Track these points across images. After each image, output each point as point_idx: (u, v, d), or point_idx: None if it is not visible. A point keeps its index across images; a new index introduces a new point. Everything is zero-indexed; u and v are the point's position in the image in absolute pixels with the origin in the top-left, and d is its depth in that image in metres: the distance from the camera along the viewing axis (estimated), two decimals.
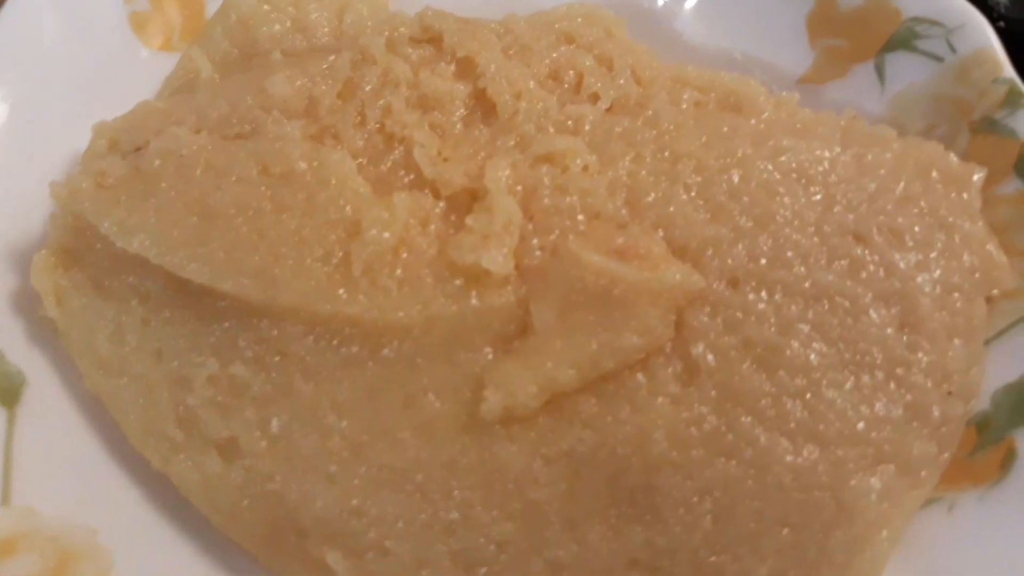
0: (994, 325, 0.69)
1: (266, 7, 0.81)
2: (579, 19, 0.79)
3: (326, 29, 0.81)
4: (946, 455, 0.65)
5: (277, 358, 0.66)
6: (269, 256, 0.66)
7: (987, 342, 0.69)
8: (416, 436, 0.64)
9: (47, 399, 0.71)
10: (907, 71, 0.78)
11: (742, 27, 0.85)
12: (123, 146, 0.72)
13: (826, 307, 0.65)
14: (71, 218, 0.70)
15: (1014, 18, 0.95)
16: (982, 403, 0.67)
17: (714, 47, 0.85)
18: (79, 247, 0.71)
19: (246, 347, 0.67)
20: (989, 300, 0.69)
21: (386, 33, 0.75)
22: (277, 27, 0.81)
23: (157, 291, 0.69)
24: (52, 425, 0.71)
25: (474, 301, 0.65)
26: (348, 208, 0.66)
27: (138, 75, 0.82)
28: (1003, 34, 0.75)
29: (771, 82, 0.81)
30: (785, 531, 0.62)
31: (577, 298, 0.63)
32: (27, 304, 0.72)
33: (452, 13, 0.78)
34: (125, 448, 0.70)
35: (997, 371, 0.68)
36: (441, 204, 0.68)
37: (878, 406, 0.63)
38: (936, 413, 0.65)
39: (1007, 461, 0.65)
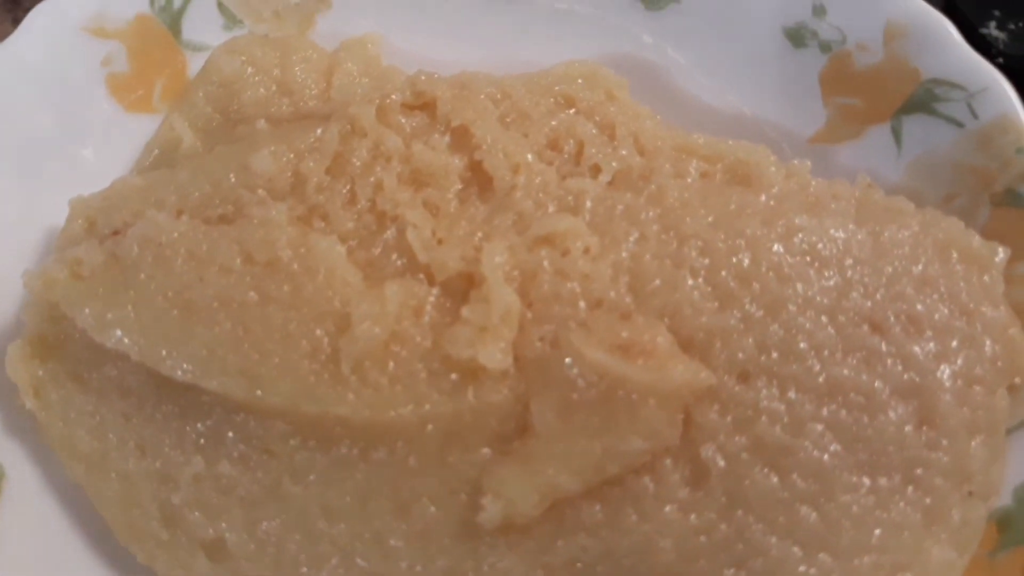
0: (1016, 414, 0.66)
1: (249, 69, 0.77)
2: (579, 80, 0.75)
3: (314, 91, 0.77)
4: (965, 558, 0.63)
5: (264, 457, 0.64)
6: (254, 353, 0.62)
7: (1009, 432, 0.66)
8: (410, 544, 0.61)
9: (28, 492, 0.68)
10: (926, 135, 0.74)
11: (751, 84, 0.81)
12: (100, 228, 0.68)
13: (841, 404, 0.62)
14: (47, 307, 0.67)
15: (1012, 55, 0.91)
16: (1003, 499, 0.64)
17: (722, 104, 0.81)
18: (56, 337, 0.68)
19: (232, 445, 0.64)
20: (1011, 388, 0.66)
21: (376, 100, 0.71)
22: (262, 91, 0.77)
23: (138, 385, 0.65)
24: (34, 519, 0.68)
25: (471, 398, 0.61)
26: (337, 300, 0.63)
27: (118, 139, 0.78)
28: (1002, 70, 0.72)
29: (782, 141, 0.77)
30: None
31: (579, 398, 0.60)
32: (4, 394, 0.69)
33: (446, 76, 0.74)
34: (110, 541, 0.67)
35: (1020, 464, 0.65)
36: (435, 291, 0.65)
37: (895, 511, 0.61)
38: (956, 516, 0.62)
39: None
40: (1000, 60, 0.90)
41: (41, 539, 0.67)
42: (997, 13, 0.94)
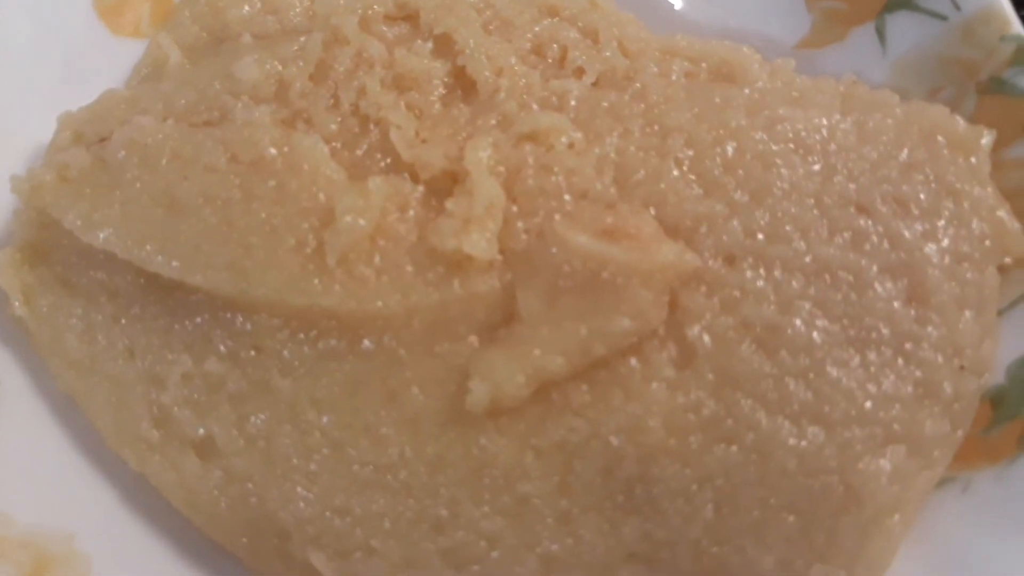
0: (1007, 295, 0.66)
1: None
2: None
3: (298, 9, 0.77)
4: (960, 433, 0.62)
5: (252, 353, 0.64)
6: (240, 248, 0.63)
7: (1001, 313, 0.65)
8: (400, 431, 0.61)
9: (19, 401, 0.68)
10: (909, 32, 0.74)
11: None
12: (88, 137, 0.69)
13: (828, 282, 0.62)
14: (35, 213, 0.67)
15: None
16: (996, 377, 0.64)
17: (705, 14, 0.81)
18: (45, 243, 0.68)
19: (220, 342, 0.64)
20: (1001, 269, 0.66)
21: (359, 11, 0.71)
22: (247, 9, 0.77)
23: (127, 287, 0.66)
24: (25, 427, 0.68)
25: (457, 289, 0.61)
26: (321, 195, 0.63)
27: (106, 63, 0.79)
28: None
29: (767, 50, 0.77)
30: (791, 518, 0.59)
31: (565, 282, 0.60)
32: None
33: None
34: (101, 449, 0.67)
35: (1012, 343, 0.65)
36: (420, 188, 0.65)
37: (886, 384, 0.60)
38: (948, 389, 0.61)
39: None
40: None
41: (33, 447, 0.67)
42: None
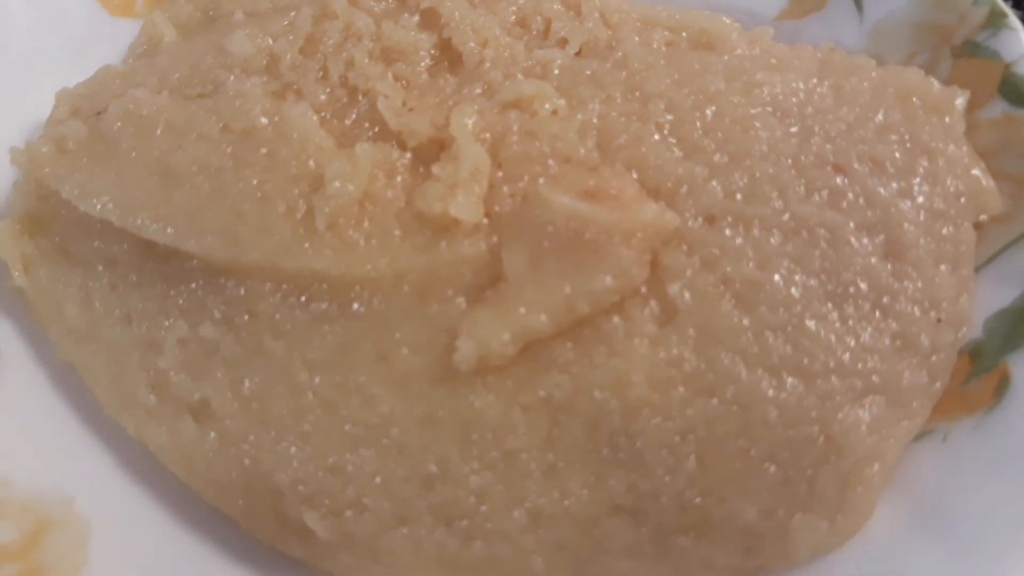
0: (984, 251, 0.67)
1: None
2: None
3: None
4: (938, 385, 0.63)
5: (246, 317, 0.65)
6: (232, 214, 0.64)
7: (977, 269, 0.67)
8: (390, 391, 0.62)
9: (20, 369, 0.70)
10: (885, 0, 0.76)
11: None
12: (84, 111, 0.71)
13: (806, 239, 0.63)
14: (34, 185, 0.69)
15: None
16: (974, 331, 0.65)
17: None
18: (44, 214, 0.70)
19: (214, 308, 0.65)
20: (978, 226, 0.67)
21: None
22: None
23: (123, 255, 0.67)
24: (25, 394, 0.69)
25: (444, 251, 0.63)
26: (311, 162, 0.65)
27: (102, 42, 0.81)
28: None
29: (747, 21, 0.79)
30: (772, 469, 0.60)
31: (549, 243, 0.62)
32: None
33: None
34: (100, 416, 0.69)
35: (989, 297, 0.66)
36: (407, 155, 0.66)
37: (864, 336, 0.62)
38: (926, 342, 0.63)
39: (1001, 387, 0.63)
40: None
41: (34, 414, 0.69)
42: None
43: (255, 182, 0.65)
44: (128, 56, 0.80)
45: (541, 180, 0.64)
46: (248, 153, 0.66)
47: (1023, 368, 0.62)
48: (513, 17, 0.73)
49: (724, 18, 0.73)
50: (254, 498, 0.64)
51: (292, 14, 0.72)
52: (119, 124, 0.67)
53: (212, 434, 0.65)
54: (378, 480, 0.62)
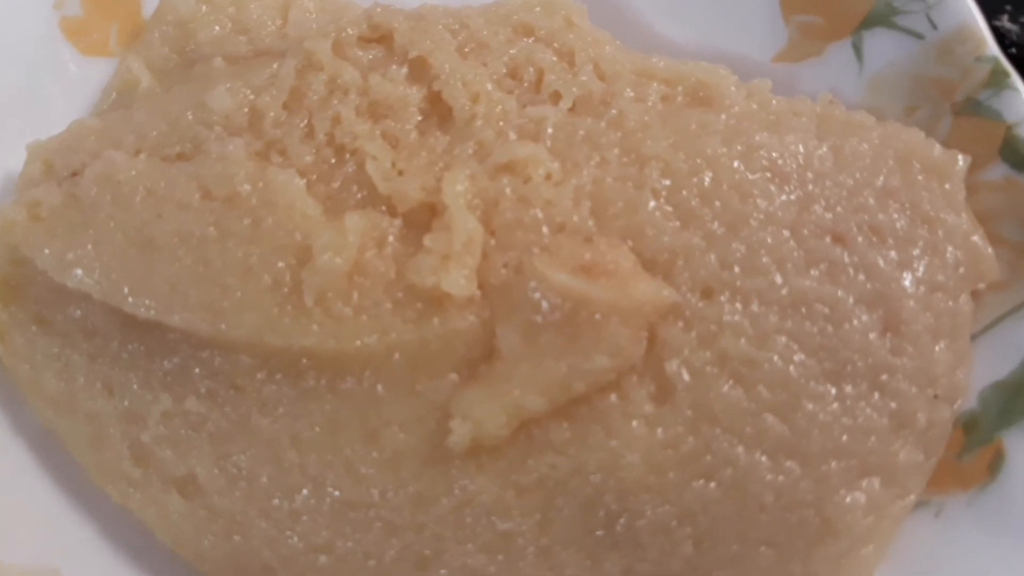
0: (980, 319, 0.67)
1: (204, 8, 0.76)
2: (537, 8, 0.74)
3: (270, 28, 0.76)
4: (933, 460, 0.63)
5: (232, 392, 0.63)
6: (216, 288, 0.62)
7: (974, 337, 0.66)
8: (381, 470, 0.61)
9: None
10: (886, 49, 0.74)
11: (711, 6, 0.80)
12: (58, 170, 0.68)
13: (805, 315, 0.62)
14: (7, 250, 0.66)
15: None
16: (969, 401, 0.65)
17: (681, 29, 0.81)
18: (19, 280, 0.67)
19: (199, 382, 0.64)
20: (975, 294, 0.66)
21: (332, 35, 0.70)
22: (217, 29, 0.76)
23: (103, 325, 0.65)
24: (6, 462, 0.68)
25: (436, 325, 0.61)
26: (297, 233, 0.63)
27: (74, 83, 0.77)
28: (1015, 61, 0.70)
29: (744, 64, 0.77)
30: (768, 551, 0.60)
31: (543, 319, 0.60)
32: None
33: (403, 9, 0.73)
34: (84, 483, 0.67)
35: (984, 368, 0.66)
36: (397, 222, 0.64)
37: (862, 417, 0.61)
38: (922, 419, 0.62)
39: (995, 464, 0.63)
40: (1013, 51, 0.90)
41: (14, 483, 0.67)
42: (1009, 8, 0.93)
43: (239, 254, 0.63)
44: (102, 101, 0.76)
45: (535, 250, 0.62)
46: (232, 223, 0.63)
47: (1017, 445, 0.63)
48: (504, 68, 0.70)
49: (720, 70, 0.71)
50: (245, 573, 0.64)
51: (275, 65, 0.69)
52: (95, 190, 0.65)
53: (200, 510, 0.64)
54: (371, 561, 0.62)
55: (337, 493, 0.62)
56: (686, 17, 0.82)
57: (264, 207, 0.64)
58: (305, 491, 0.62)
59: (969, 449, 0.64)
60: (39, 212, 0.65)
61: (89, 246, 0.64)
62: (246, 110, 0.68)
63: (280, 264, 0.62)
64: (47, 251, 0.64)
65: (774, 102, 0.70)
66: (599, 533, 0.60)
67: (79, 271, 0.63)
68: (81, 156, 0.68)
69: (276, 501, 0.62)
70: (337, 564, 0.62)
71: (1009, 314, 0.66)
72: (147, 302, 0.63)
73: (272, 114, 0.67)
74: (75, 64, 0.78)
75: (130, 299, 0.63)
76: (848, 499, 0.60)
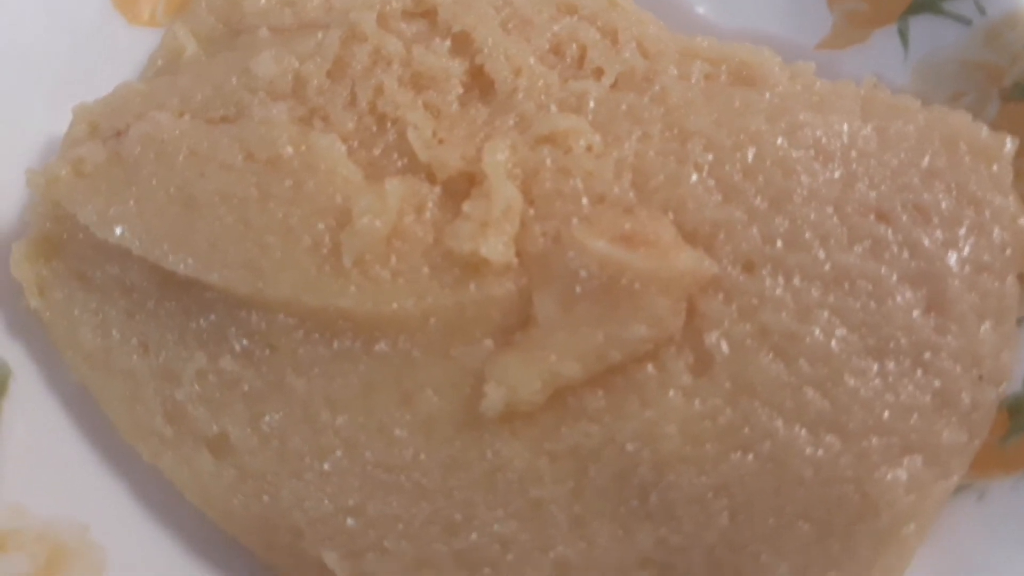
0: None
1: None
2: None
3: (315, 2, 0.76)
4: (977, 442, 0.62)
5: (267, 352, 0.63)
6: (255, 247, 0.62)
7: (1019, 322, 0.65)
8: (414, 434, 0.61)
9: (33, 390, 0.68)
10: (932, 35, 0.74)
11: None
12: (103, 131, 0.68)
13: (847, 290, 0.61)
14: (50, 206, 0.67)
15: None
16: (1014, 385, 0.64)
17: (726, 15, 0.81)
18: (60, 236, 0.68)
19: (235, 340, 0.64)
20: (1021, 277, 0.65)
21: (377, 7, 0.71)
22: (263, 1, 0.77)
23: (141, 282, 0.66)
24: (39, 417, 0.68)
25: (473, 291, 0.61)
26: (338, 196, 0.63)
27: (121, 52, 0.78)
28: None
29: (787, 50, 0.76)
30: (806, 527, 0.59)
31: (581, 288, 0.60)
32: (9, 294, 0.69)
33: None
34: (115, 440, 0.67)
35: None
36: (437, 189, 0.64)
37: (904, 394, 0.60)
38: (966, 399, 0.61)
39: None
40: None
41: (47, 437, 0.67)
42: None
43: (280, 215, 0.63)
44: (148, 68, 0.77)
45: (574, 220, 0.62)
46: (273, 184, 0.64)
47: None
48: (547, 44, 0.70)
49: (765, 51, 0.70)
50: (273, 534, 0.64)
51: (319, 34, 0.69)
52: (139, 149, 0.65)
53: (231, 469, 0.64)
54: (400, 524, 0.61)
55: (369, 455, 0.61)
56: (729, 2, 0.81)
57: (306, 170, 0.64)
58: (338, 452, 0.62)
59: (1014, 432, 0.63)
60: (83, 169, 0.66)
61: (131, 203, 0.64)
62: (290, 77, 0.68)
63: (320, 226, 0.63)
64: (90, 207, 0.65)
65: (818, 84, 0.70)
66: (633, 503, 0.59)
67: (121, 227, 0.64)
68: (126, 117, 0.68)
69: (307, 461, 0.62)
70: (365, 527, 0.61)
71: None
72: (187, 259, 0.63)
73: (315, 81, 0.68)
74: (123, 33, 0.79)
75: (170, 256, 0.63)
76: (889, 476, 0.59)
